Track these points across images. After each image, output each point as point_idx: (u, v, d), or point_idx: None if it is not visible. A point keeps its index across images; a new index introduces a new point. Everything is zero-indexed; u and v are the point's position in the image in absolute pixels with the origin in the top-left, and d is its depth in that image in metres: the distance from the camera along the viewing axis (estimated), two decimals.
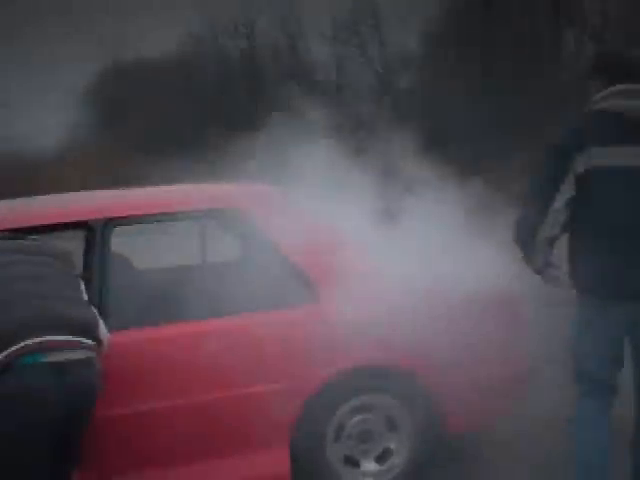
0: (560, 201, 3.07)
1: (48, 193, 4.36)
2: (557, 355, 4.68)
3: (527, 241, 3.19)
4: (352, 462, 3.72)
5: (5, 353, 2.68)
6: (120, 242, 4.14)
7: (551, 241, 3.16)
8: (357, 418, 3.70)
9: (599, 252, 3.02)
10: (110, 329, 3.15)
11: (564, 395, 4.27)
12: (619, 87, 3.10)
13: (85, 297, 3.06)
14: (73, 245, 3.60)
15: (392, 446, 3.76)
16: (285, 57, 31.66)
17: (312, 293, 3.54)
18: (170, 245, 4.40)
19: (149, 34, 47.71)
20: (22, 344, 2.68)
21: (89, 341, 2.86)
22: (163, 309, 3.44)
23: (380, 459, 3.75)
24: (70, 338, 2.79)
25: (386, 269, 3.53)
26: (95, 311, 3.05)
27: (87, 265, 3.48)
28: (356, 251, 3.62)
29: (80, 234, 3.57)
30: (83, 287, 3.09)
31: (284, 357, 3.45)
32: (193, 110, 28.77)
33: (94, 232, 3.47)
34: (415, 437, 3.73)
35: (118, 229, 3.56)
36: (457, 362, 3.61)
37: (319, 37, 30.98)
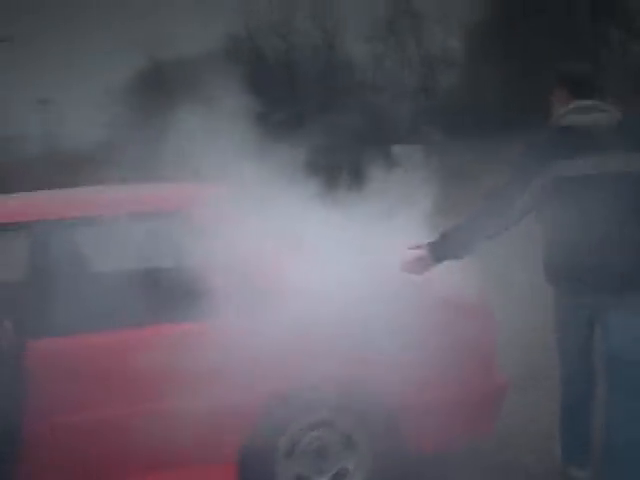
0: (517, 217, 3.35)
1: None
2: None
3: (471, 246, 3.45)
4: None
5: None
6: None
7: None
8: (312, 435, 3.47)
9: (568, 254, 3.33)
10: (42, 334, 3.09)
11: (527, 411, 4.07)
12: (580, 103, 3.39)
13: None
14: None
15: (349, 466, 3.53)
16: (322, 56, 31.52)
17: (258, 302, 3.32)
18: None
19: (188, 33, 48.05)
20: None
21: None
22: (99, 315, 3.25)
23: (335, 479, 3.52)
24: None
25: (338, 276, 3.29)
26: None
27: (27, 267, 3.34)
28: (301, 257, 3.37)
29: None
30: None
31: (226, 370, 3.21)
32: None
33: (30, 234, 3.31)
34: (374, 457, 3.50)
35: (62, 230, 3.39)
36: (420, 378, 3.38)
37: (357, 36, 30.85)
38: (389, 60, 31.12)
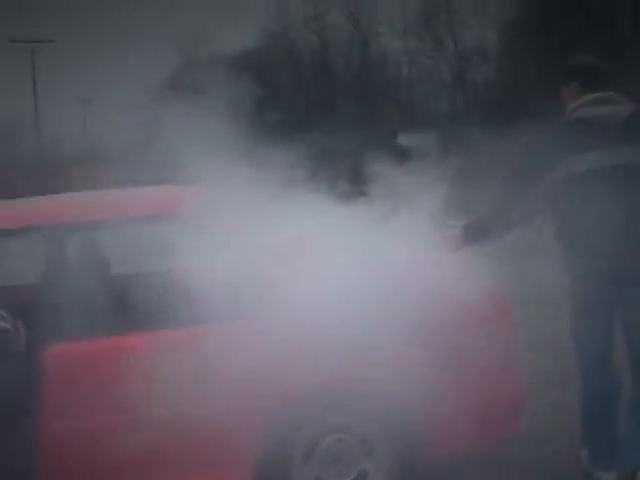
0: (531, 209, 3.46)
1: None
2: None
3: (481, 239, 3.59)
4: None
5: None
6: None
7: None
8: (330, 438, 3.43)
9: (588, 245, 3.34)
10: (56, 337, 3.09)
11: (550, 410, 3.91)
12: (592, 96, 3.41)
13: None
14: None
15: (368, 469, 3.48)
16: (356, 51, 31.38)
17: (262, 306, 3.29)
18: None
19: (223, 30, 48.20)
20: None
21: None
22: (107, 320, 3.25)
23: None
24: None
25: (347, 275, 3.24)
26: None
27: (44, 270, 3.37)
28: (305, 257, 3.33)
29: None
30: None
31: (239, 372, 3.17)
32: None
33: (45, 237, 3.33)
34: (393, 460, 3.45)
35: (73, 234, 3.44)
36: (438, 380, 3.32)
37: (391, 31, 30.69)
38: (423, 55, 30.92)
